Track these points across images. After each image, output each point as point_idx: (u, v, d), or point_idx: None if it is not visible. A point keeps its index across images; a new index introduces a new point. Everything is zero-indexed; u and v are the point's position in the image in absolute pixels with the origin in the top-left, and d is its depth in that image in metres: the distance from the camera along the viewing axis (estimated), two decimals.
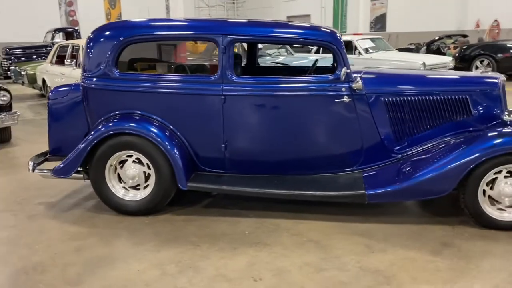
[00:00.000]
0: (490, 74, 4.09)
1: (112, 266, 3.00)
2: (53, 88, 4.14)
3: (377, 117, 3.66)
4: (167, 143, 3.59)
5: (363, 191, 3.44)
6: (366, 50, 11.29)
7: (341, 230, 3.47)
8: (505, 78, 3.95)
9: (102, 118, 3.75)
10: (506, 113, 3.67)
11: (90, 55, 3.72)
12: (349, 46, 11.36)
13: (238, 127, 3.69)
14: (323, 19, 21.08)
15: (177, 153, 3.61)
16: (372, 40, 11.96)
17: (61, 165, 3.78)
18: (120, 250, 3.27)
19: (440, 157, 3.47)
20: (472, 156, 3.30)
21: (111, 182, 3.76)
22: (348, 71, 3.49)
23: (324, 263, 3.00)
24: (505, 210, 3.43)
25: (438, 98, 3.69)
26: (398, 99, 3.67)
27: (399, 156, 3.74)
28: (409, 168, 3.54)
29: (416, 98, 3.68)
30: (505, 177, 3.37)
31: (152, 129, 3.62)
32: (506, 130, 3.47)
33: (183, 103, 3.66)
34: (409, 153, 3.74)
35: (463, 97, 3.71)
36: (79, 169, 3.76)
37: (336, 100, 3.55)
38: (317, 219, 3.64)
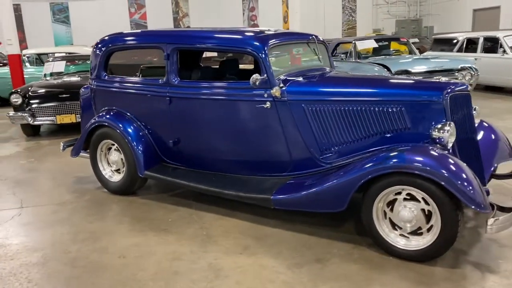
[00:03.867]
0: (448, 81, 3.47)
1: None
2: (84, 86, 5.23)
3: (300, 124, 3.61)
4: (129, 135, 4.27)
5: (269, 196, 3.49)
6: None
7: (245, 231, 3.59)
8: (468, 87, 3.37)
9: (99, 112, 4.65)
10: (439, 126, 3.15)
11: (92, 61, 4.64)
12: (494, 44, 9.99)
13: (182, 125, 4.12)
14: None
15: (137, 144, 4.26)
16: None
17: (73, 148, 4.83)
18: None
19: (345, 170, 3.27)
20: (360, 173, 3.06)
21: (102, 164, 4.64)
22: (263, 77, 3.53)
23: (189, 255, 3.25)
24: (407, 237, 3.05)
25: (369, 108, 3.42)
26: (320, 107, 3.54)
27: (328, 166, 3.61)
28: (322, 178, 3.42)
29: (343, 108, 3.48)
30: (404, 199, 3.00)
31: (121, 123, 4.34)
32: (401, 148, 3.06)
33: (143, 102, 4.29)
34: (337, 163, 3.57)
35: (397, 108, 3.35)
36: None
37: (257, 106, 3.65)
38: (244, 219, 3.81)
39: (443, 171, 2.79)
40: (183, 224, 3.78)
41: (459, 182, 2.76)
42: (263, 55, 3.58)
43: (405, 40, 10.38)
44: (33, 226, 3.91)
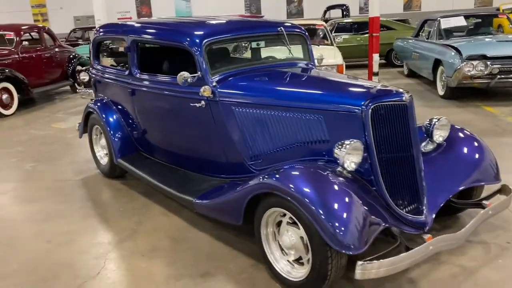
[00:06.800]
0: (386, 88, 2.90)
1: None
2: None
3: (230, 126, 3.40)
4: (108, 123, 4.47)
5: (193, 199, 3.39)
6: None
7: (173, 231, 3.56)
8: (408, 97, 2.79)
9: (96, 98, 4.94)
10: (339, 143, 2.69)
11: (91, 49, 4.90)
12: None
13: (143, 117, 4.20)
14: None
15: (114, 132, 4.44)
16: None
17: (78, 130, 5.23)
18: None
19: None
20: (247, 189, 2.79)
21: (97, 147, 4.95)
22: (195, 75, 3.35)
23: (96, 249, 3.34)
24: (293, 265, 2.73)
25: (290, 115, 3.07)
26: (248, 110, 3.27)
27: (257, 172, 3.35)
28: (232, 188, 3.20)
29: (267, 113, 3.18)
30: (288, 223, 2.68)
31: (104, 111, 4.54)
32: (287, 166, 2.68)
33: (118, 92, 4.43)
34: (264, 170, 3.29)
35: (317, 117, 2.95)
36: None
37: (191, 104, 3.52)
38: (185, 218, 3.77)
39: (306, 198, 2.40)
40: (126, 215, 3.88)
41: (322, 213, 2.34)
42: (197, 52, 3.39)
43: (505, 15, 8.84)
44: (22, 199, 4.40)
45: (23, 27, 9.84)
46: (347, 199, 2.45)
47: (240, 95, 3.30)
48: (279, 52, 4.04)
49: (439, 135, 3.20)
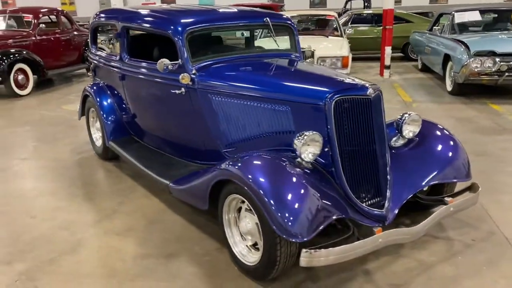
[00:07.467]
0: (352, 82, 2.93)
1: None
2: None
3: (207, 113, 3.49)
4: (102, 106, 4.62)
5: (169, 183, 3.51)
6: None
7: (150, 213, 3.70)
8: (373, 91, 2.82)
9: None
10: (298, 135, 2.75)
11: (90, 34, 5.06)
12: None
13: (131, 101, 4.32)
14: None
15: (107, 115, 4.60)
16: None
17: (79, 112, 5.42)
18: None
19: None
20: (210, 176, 2.89)
21: (93, 129, 5.13)
22: (175, 62, 3.44)
23: (75, 226, 3.51)
24: (250, 250, 2.83)
25: (260, 105, 3.14)
26: (223, 99, 3.36)
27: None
28: (202, 173, 3.30)
29: (240, 102, 3.26)
30: (246, 209, 2.77)
31: (98, 94, 4.70)
32: (246, 155, 2.76)
33: (110, 76, 4.57)
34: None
35: (284, 108, 3.01)
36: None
37: (171, 91, 3.62)
38: (164, 201, 3.90)
39: (259, 187, 2.47)
40: (111, 196, 4.04)
41: (273, 202, 2.42)
42: (178, 40, 3.48)
43: None
44: (19, 176, 4.62)
45: (41, 10, 10.10)
46: (300, 190, 2.52)
47: (216, 84, 3.38)
48: (269, 43, 4.09)
49: (409, 131, 3.21)
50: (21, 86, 8.85)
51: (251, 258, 2.77)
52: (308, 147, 2.70)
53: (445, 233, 3.24)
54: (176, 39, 3.50)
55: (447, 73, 7.98)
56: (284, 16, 4.11)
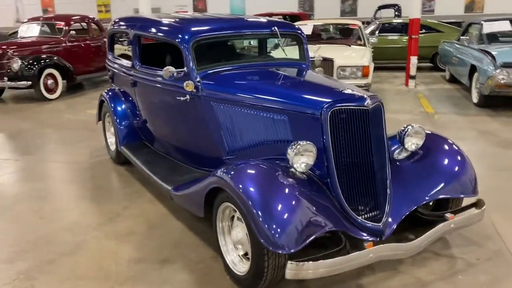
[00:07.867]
0: (351, 92, 2.87)
1: None
2: None
3: (210, 121, 3.51)
4: (115, 111, 4.72)
5: (170, 188, 3.53)
6: None
7: (152, 219, 3.73)
8: (371, 103, 2.75)
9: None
10: (292, 144, 2.72)
11: (107, 41, 5.18)
12: None
13: (142, 106, 4.41)
14: None
15: (120, 120, 4.70)
16: None
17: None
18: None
19: None
20: (205, 183, 2.89)
21: (108, 134, 5.24)
22: (181, 70, 3.49)
23: (78, 229, 3.58)
24: (242, 259, 2.80)
25: (259, 114, 3.13)
26: (224, 106, 3.37)
27: None
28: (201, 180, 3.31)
29: (241, 111, 3.26)
30: (238, 218, 2.75)
31: (113, 100, 4.80)
32: (238, 164, 2.73)
33: (124, 82, 4.66)
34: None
35: (282, 117, 2.99)
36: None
37: (177, 98, 3.65)
38: (168, 207, 3.93)
39: (248, 197, 2.45)
40: (117, 200, 4.11)
41: (261, 214, 2.39)
42: (184, 48, 3.52)
43: None
44: (33, 177, 4.77)
45: (73, 18, 10.44)
46: (290, 201, 2.48)
47: (218, 92, 3.40)
48: (292, 51, 4.08)
49: (412, 143, 3.12)
50: (51, 91, 9.14)
51: (242, 267, 2.74)
52: (302, 157, 2.66)
53: (449, 251, 3.12)
54: (182, 47, 3.54)
55: (473, 84, 7.75)
56: (293, 26, 4.09)
